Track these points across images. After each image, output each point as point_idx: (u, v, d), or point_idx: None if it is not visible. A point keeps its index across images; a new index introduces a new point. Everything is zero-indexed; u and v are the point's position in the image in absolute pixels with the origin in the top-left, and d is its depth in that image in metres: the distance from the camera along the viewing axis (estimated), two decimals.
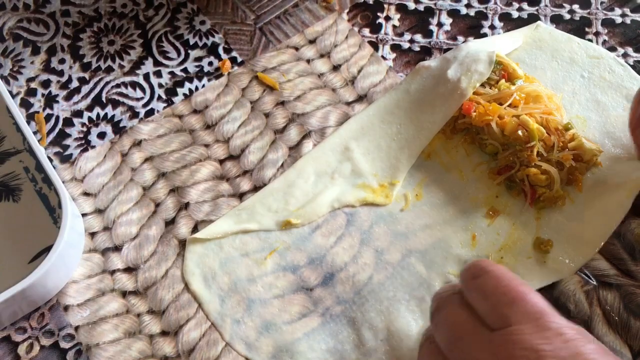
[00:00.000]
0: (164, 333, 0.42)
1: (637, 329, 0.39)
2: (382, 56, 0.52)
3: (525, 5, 0.54)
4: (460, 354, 0.32)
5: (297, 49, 0.53)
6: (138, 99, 0.51)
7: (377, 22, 0.54)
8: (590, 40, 0.51)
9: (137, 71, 0.52)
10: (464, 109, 0.45)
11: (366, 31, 0.53)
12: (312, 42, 0.53)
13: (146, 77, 0.52)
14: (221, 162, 0.48)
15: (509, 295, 0.31)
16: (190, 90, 0.51)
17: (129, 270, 0.44)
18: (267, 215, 0.45)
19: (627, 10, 0.53)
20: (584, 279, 0.41)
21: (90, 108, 0.51)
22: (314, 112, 0.50)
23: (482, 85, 0.46)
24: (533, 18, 0.53)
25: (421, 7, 0.54)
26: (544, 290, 0.40)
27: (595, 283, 0.40)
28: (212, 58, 0.53)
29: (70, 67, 0.53)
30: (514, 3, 0.54)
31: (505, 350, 0.29)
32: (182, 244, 0.44)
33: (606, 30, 0.52)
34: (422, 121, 0.47)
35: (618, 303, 0.40)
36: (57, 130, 0.50)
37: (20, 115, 0.46)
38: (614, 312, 0.39)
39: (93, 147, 0.49)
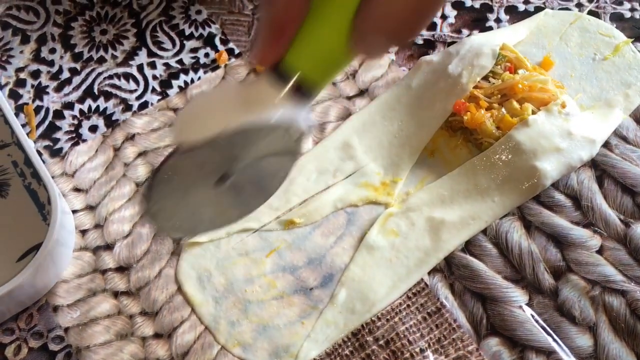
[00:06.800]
0: (157, 335, 0.40)
1: None
2: None
3: None
4: None
5: None
6: (131, 91, 0.49)
7: None
8: None
9: (131, 62, 0.50)
10: (454, 107, 0.44)
11: None
12: None
13: (140, 68, 0.50)
14: None
15: None
16: (186, 83, 0.49)
17: (121, 269, 0.42)
18: (268, 213, 0.44)
19: (636, 5, 0.51)
20: (589, 284, 0.39)
21: (81, 100, 0.49)
22: (314, 106, 0.48)
23: (487, 79, 0.44)
24: (540, 11, 0.51)
25: None
26: (549, 298, 0.39)
27: (601, 289, 0.39)
28: (208, 49, 0.51)
29: (61, 57, 0.51)
30: None
31: None
32: (176, 242, 0.43)
33: (615, 25, 0.50)
34: (423, 118, 0.46)
35: (624, 309, 0.39)
36: (47, 122, 0.48)
37: (8, 106, 0.45)
38: (620, 319, 0.38)
39: (84, 140, 0.47)
